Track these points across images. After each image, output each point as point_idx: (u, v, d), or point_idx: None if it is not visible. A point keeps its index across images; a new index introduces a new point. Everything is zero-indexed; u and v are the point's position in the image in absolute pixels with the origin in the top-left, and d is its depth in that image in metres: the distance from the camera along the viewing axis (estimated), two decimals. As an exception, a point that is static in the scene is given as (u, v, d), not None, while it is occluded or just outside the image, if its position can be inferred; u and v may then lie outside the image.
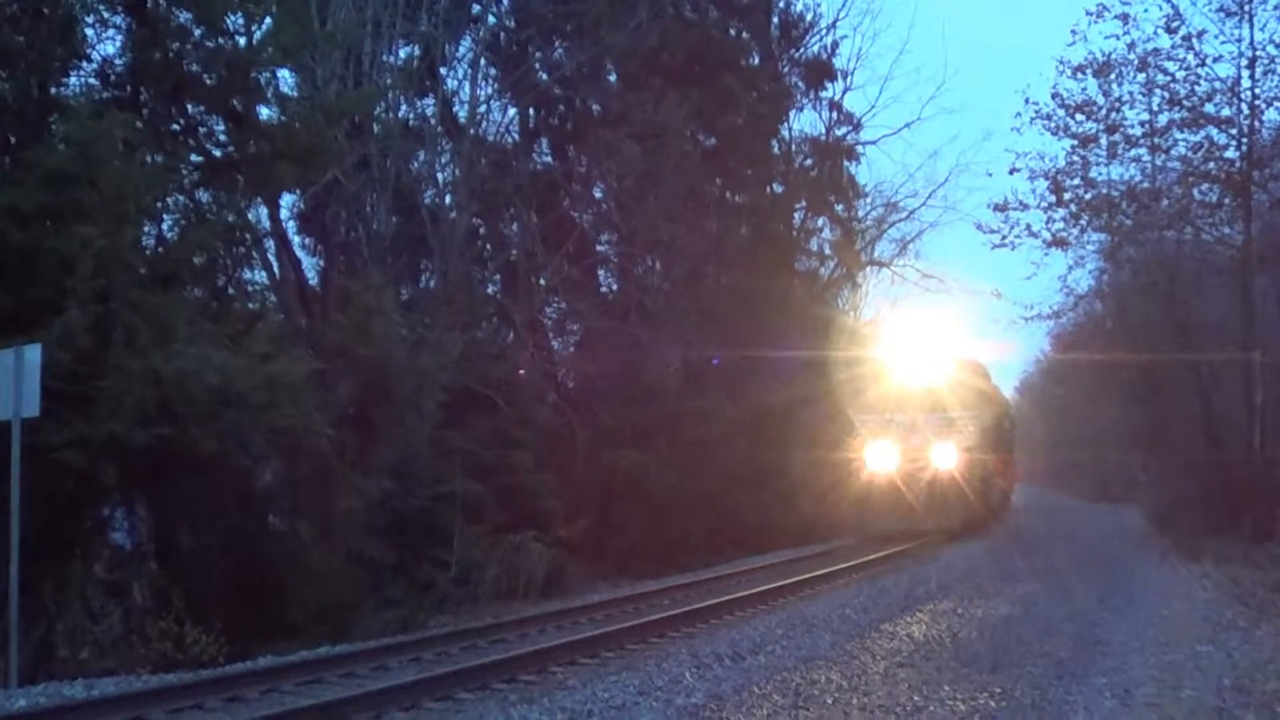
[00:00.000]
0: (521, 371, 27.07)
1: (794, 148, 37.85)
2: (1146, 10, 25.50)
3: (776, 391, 30.81)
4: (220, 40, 17.24)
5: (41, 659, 13.43)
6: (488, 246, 29.41)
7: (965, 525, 28.98)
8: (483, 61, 27.85)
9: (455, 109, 27.70)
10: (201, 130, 18.01)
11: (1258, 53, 24.09)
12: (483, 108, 28.16)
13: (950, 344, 31.95)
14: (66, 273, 13.61)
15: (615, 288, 31.82)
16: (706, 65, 31.04)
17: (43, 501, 13.46)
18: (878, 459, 28.70)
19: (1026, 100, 26.04)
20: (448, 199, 26.97)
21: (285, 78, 21.14)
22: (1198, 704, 9.80)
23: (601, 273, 31.93)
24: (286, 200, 22.02)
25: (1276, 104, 24.49)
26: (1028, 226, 26.24)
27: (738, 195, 34.80)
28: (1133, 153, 25.82)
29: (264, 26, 17.65)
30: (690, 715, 9.71)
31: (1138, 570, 21.87)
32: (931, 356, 29.99)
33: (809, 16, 36.12)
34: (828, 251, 39.93)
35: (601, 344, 29.59)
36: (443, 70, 27.35)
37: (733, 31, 34.41)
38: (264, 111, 18.97)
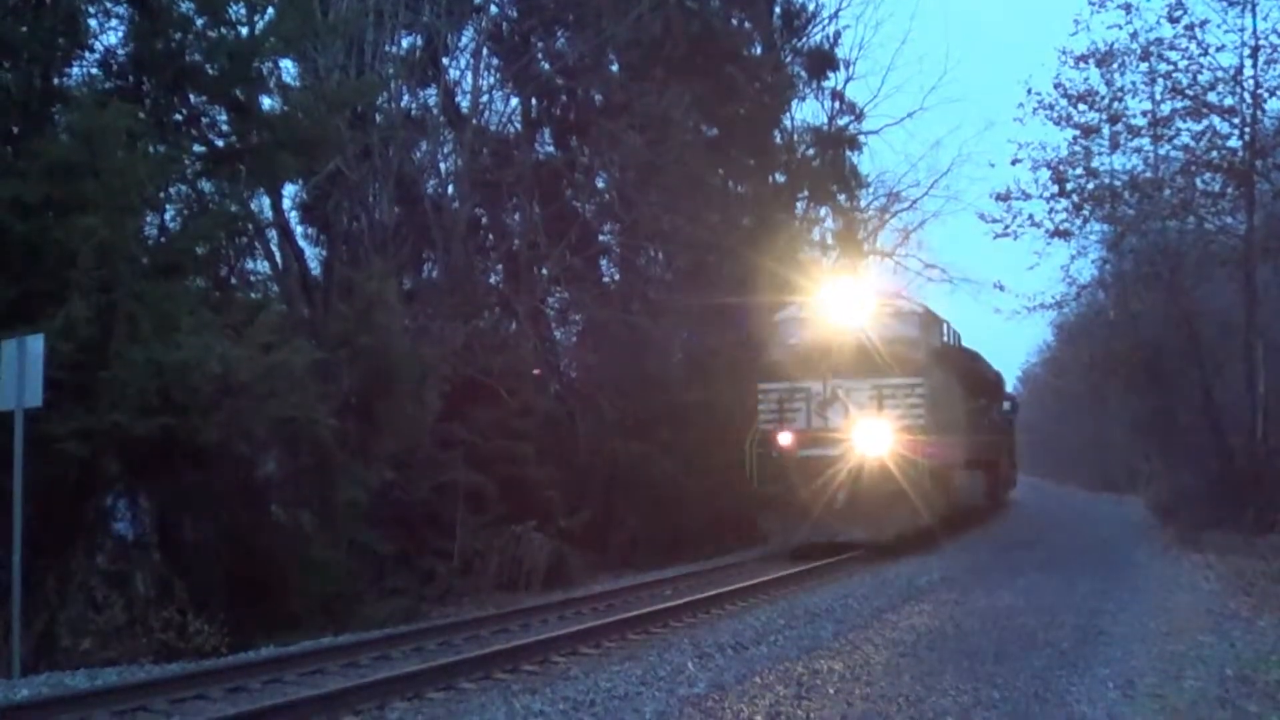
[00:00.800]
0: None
1: (796, 137, 37.75)
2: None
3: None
4: (222, 30, 17.22)
5: (44, 649, 13.46)
6: (490, 237, 29.39)
7: (906, 536, 22.21)
8: (485, 52, 27.82)
9: (457, 99, 27.69)
10: (204, 120, 18.03)
11: (1260, 42, 24.13)
12: (485, 98, 28.16)
13: (891, 289, 26.95)
14: (69, 263, 13.62)
15: (617, 278, 31.80)
16: (708, 55, 30.96)
17: (45, 492, 13.48)
18: (783, 444, 22.19)
19: (1029, 90, 26.06)
20: (450, 189, 26.98)
21: (288, 68, 21.16)
22: (1200, 694, 9.81)
23: (604, 263, 31.88)
24: (289, 190, 22.02)
25: (1279, 93, 24.51)
26: (1030, 216, 26.26)
27: (740, 185, 34.74)
28: (1135, 142, 25.84)
29: (266, 16, 17.63)
30: (693, 705, 9.71)
31: (1140, 561, 21.89)
32: (862, 302, 23.07)
33: (811, 6, 35.97)
34: (830, 241, 39.88)
35: (604, 334, 29.57)
36: (445, 60, 27.36)
37: (735, 21, 34.32)
38: (266, 101, 18.99)
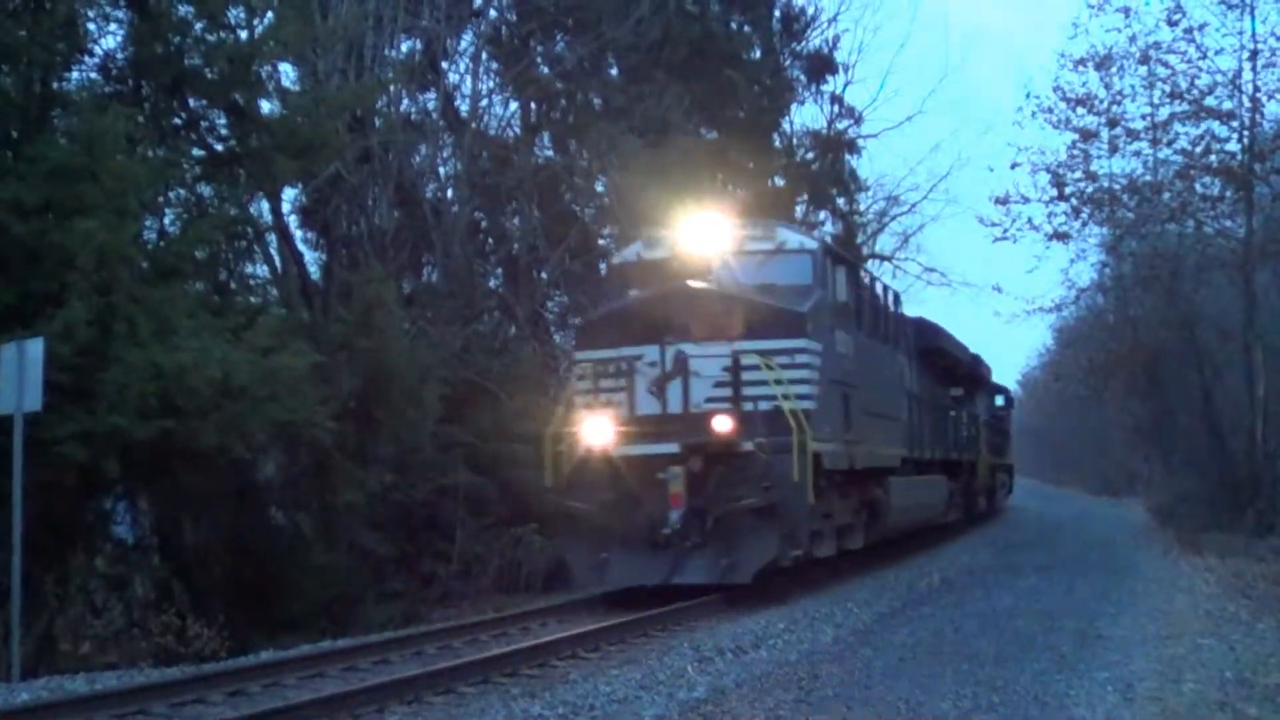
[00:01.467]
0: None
1: (795, 141, 37.84)
2: (1148, 3, 25.72)
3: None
4: (221, 34, 17.24)
5: (43, 653, 13.47)
6: (489, 240, 29.40)
7: (780, 566, 15.73)
8: (484, 56, 27.84)
9: (457, 103, 27.70)
10: (203, 124, 18.04)
11: (1259, 45, 24.27)
12: (484, 102, 28.18)
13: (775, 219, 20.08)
14: (68, 266, 13.62)
15: (617, 281, 31.77)
16: (708, 59, 30.98)
17: (45, 495, 13.49)
18: (597, 438, 15.69)
19: (1028, 94, 26.23)
20: (449, 193, 26.98)
21: (287, 71, 21.19)
22: (1200, 697, 9.81)
23: (603, 266, 31.88)
24: (288, 194, 22.06)
25: (1277, 97, 24.61)
26: (1029, 220, 26.38)
27: (739, 189, 34.76)
28: (1134, 146, 25.95)
29: (265, 20, 17.65)
30: (692, 709, 9.70)
31: (1140, 564, 21.90)
32: (729, 235, 16.88)
33: (810, 10, 36.06)
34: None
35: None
36: (444, 64, 27.36)
37: (734, 25, 34.37)
38: (266, 105, 19.00)
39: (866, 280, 20.28)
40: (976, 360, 32.09)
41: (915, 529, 23.16)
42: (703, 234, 16.65)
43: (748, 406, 15.29)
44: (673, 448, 15.22)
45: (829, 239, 18.92)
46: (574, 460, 15.91)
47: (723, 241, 16.63)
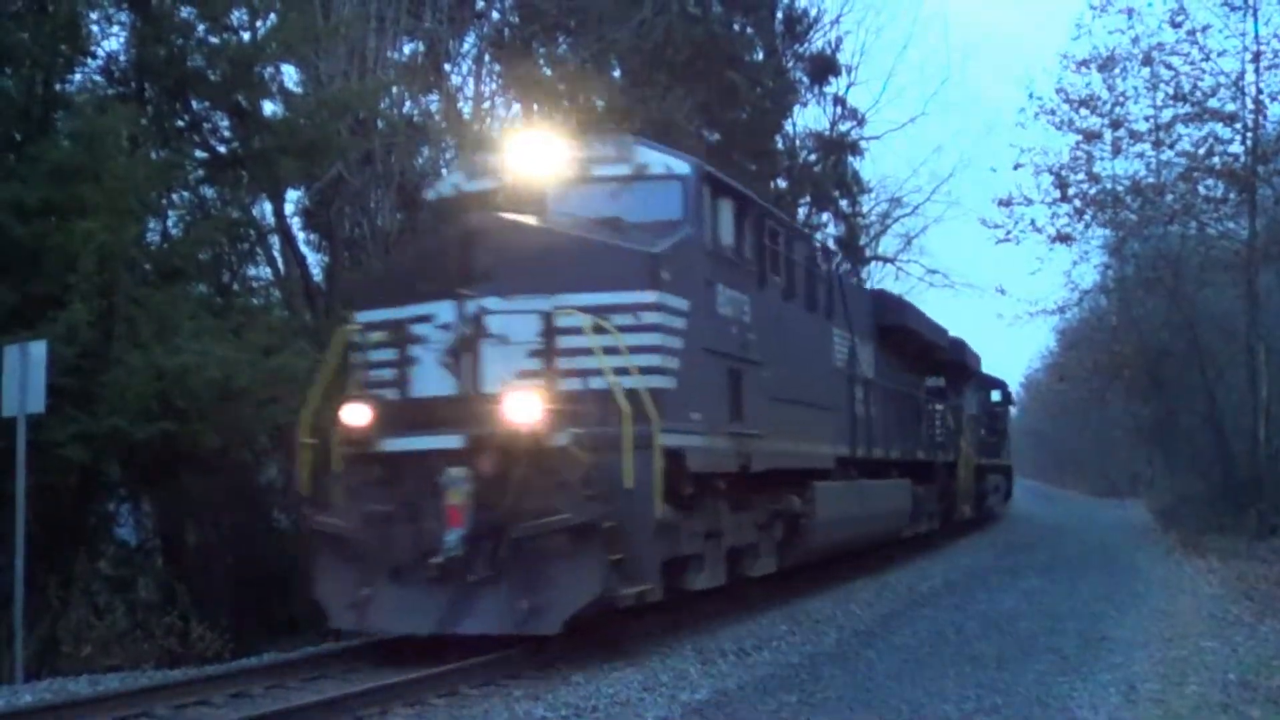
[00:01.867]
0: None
1: (798, 143, 37.90)
2: (1150, 4, 25.75)
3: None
4: (224, 36, 17.26)
5: (46, 655, 13.47)
6: (492, 242, 29.42)
7: (615, 607, 11.40)
8: (486, 58, 27.84)
9: (459, 105, 27.71)
10: (206, 126, 18.06)
11: (1262, 47, 24.30)
12: (487, 104, 28.17)
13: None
14: (70, 267, 13.62)
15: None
16: (710, 61, 31.01)
17: (47, 497, 13.49)
18: (361, 428, 11.70)
19: (1031, 95, 26.22)
20: (452, 195, 26.98)
21: (289, 73, 21.18)
22: (1203, 700, 9.79)
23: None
24: (291, 196, 22.04)
25: (1280, 98, 24.62)
26: (1032, 222, 26.42)
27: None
28: (1137, 148, 25.96)
29: (268, 22, 17.66)
30: (695, 712, 9.69)
31: (1142, 565, 21.88)
32: (569, 156, 12.92)
33: (813, 12, 36.13)
34: (832, 247, 39.96)
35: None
36: (447, 66, 27.35)
37: (736, 27, 34.43)
38: (268, 107, 19.00)
39: (766, 224, 14.83)
40: (959, 346, 27.69)
41: (859, 546, 19.04)
42: (538, 157, 12.80)
43: (573, 385, 11.26)
44: (454, 441, 11.19)
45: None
46: (333, 460, 12.16)
47: (565, 166, 12.81)
